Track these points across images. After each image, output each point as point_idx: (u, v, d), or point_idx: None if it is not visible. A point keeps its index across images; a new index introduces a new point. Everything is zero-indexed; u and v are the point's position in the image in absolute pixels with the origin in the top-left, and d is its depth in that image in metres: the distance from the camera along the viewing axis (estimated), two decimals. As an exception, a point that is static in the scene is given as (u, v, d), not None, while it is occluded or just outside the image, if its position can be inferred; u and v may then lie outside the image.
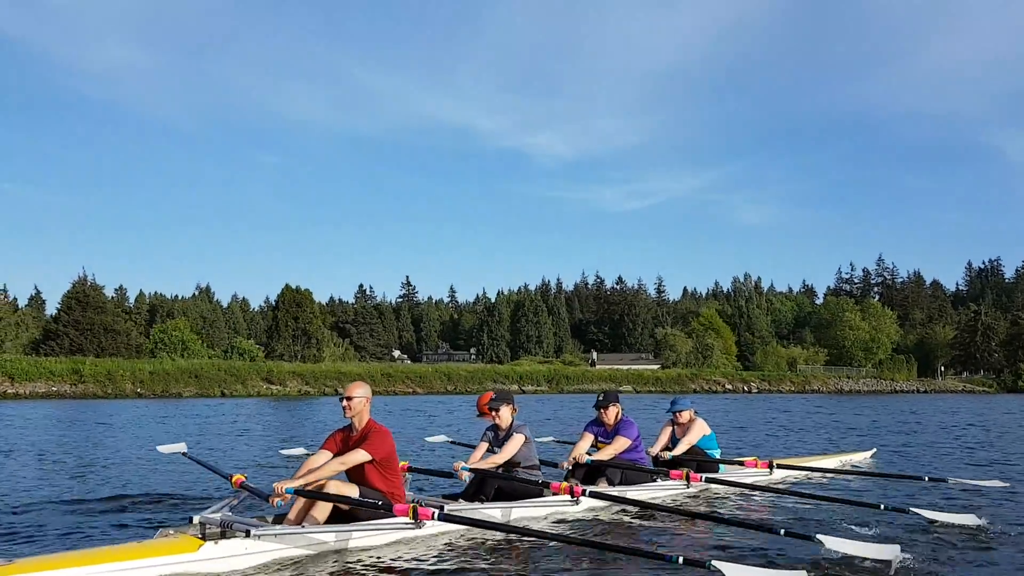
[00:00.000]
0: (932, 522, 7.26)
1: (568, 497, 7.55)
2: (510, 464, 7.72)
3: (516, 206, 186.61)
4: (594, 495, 7.56)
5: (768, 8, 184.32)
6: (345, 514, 6.39)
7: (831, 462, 11.95)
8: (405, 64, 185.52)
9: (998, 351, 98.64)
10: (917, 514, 7.25)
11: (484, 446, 8.06)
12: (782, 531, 6.09)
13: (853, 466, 11.96)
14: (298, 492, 6.09)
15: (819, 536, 5.76)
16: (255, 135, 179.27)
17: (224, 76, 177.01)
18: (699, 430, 9.81)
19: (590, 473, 8.52)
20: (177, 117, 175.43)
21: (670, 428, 10.02)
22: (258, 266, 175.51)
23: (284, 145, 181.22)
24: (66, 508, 8.35)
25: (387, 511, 6.21)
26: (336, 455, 6.51)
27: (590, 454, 8.72)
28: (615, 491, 8.14)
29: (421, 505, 6.30)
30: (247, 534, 5.71)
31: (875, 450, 14.39)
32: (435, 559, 6.11)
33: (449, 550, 6.38)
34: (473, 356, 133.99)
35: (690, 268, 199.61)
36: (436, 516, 6.14)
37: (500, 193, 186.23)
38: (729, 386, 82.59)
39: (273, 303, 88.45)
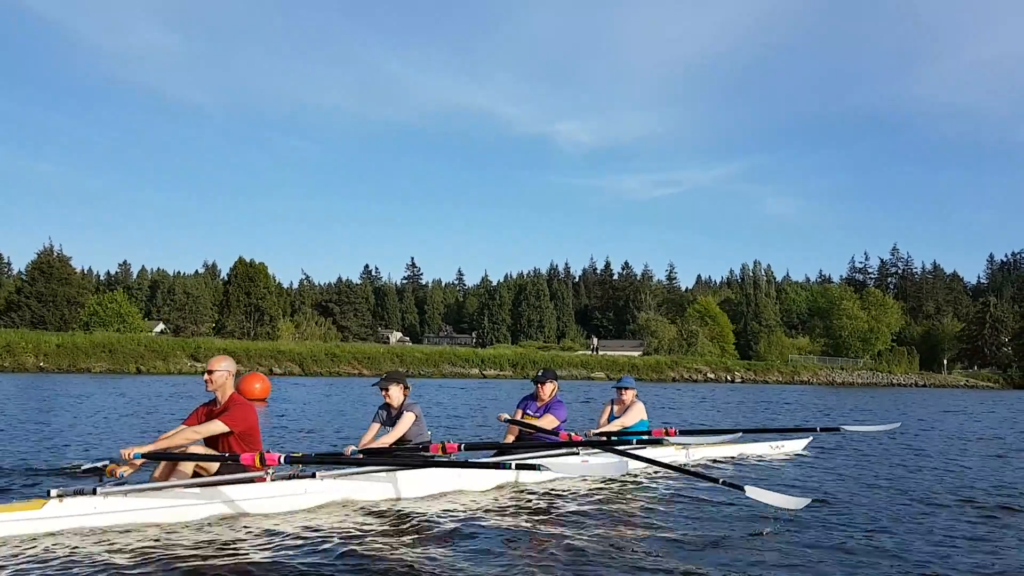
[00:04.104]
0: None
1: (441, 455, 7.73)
2: (402, 441, 7.86)
3: (535, 193, 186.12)
4: (470, 447, 8.12)
5: (795, 1, 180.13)
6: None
7: (761, 447, 11.80)
8: (431, 52, 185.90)
9: (1008, 345, 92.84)
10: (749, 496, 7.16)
11: (376, 426, 8.14)
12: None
13: (786, 453, 11.91)
14: (146, 456, 6.11)
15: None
16: (280, 120, 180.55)
17: (252, 61, 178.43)
18: (636, 414, 10.13)
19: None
20: (203, 100, 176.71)
21: (610, 407, 10.38)
22: (273, 246, 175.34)
23: (309, 130, 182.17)
24: None
25: (234, 462, 6.33)
26: None
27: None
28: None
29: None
30: (94, 492, 5.71)
31: (811, 438, 13.26)
32: (287, 508, 6.45)
33: (305, 504, 6.63)
34: (474, 340, 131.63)
35: (707, 257, 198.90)
36: (282, 460, 6.34)
37: (521, 180, 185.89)
38: (711, 375, 77.48)
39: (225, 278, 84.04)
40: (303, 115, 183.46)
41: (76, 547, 5.38)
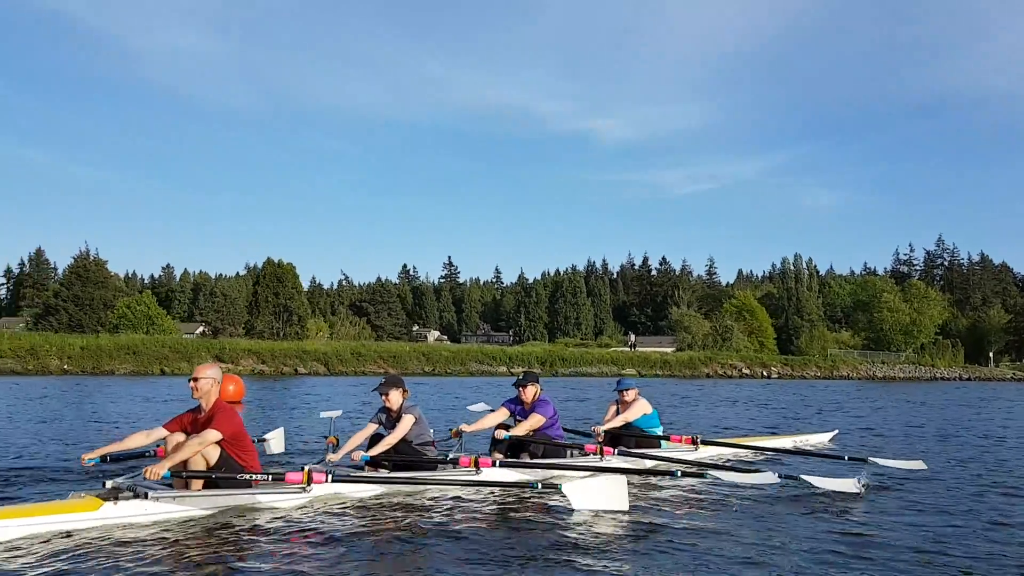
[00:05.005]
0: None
1: (472, 468, 7.87)
2: (403, 442, 8.03)
3: (573, 189, 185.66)
4: (505, 464, 8.12)
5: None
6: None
7: (784, 441, 12.34)
8: (466, 50, 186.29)
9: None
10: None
11: (372, 427, 8.30)
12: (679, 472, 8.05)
13: (811, 446, 12.40)
14: (174, 474, 6.42)
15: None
16: (318, 122, 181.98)
17: (289, 64, 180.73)
18: (639, 408, 10.41)
19: (512, 449, 9.07)
20: (243, 103, 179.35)
21: (615, 407, 10.64)
22: (313, 247, 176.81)
23: (346, 131, 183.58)
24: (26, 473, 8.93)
25: (279, 480, 6.73)
26: (187, 435, 6.83)
27: (508, 427, 9.11)
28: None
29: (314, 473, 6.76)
30: (145, 496, 6.21)
31: (836, 432, 14.19)
32: (326, 520, 6.57)
33: (337, 514, 6.83)
34: (511, 338, 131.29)
35: (749, 252, 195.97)
36: (330, 479, 6.81)
37: (558, 177, 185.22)
38: (747, 371, 75.82)
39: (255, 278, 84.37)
40: (340, 116, 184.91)
41: (128, 547, 5.71)
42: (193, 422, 6.90)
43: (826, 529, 6.70)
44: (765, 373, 75.81)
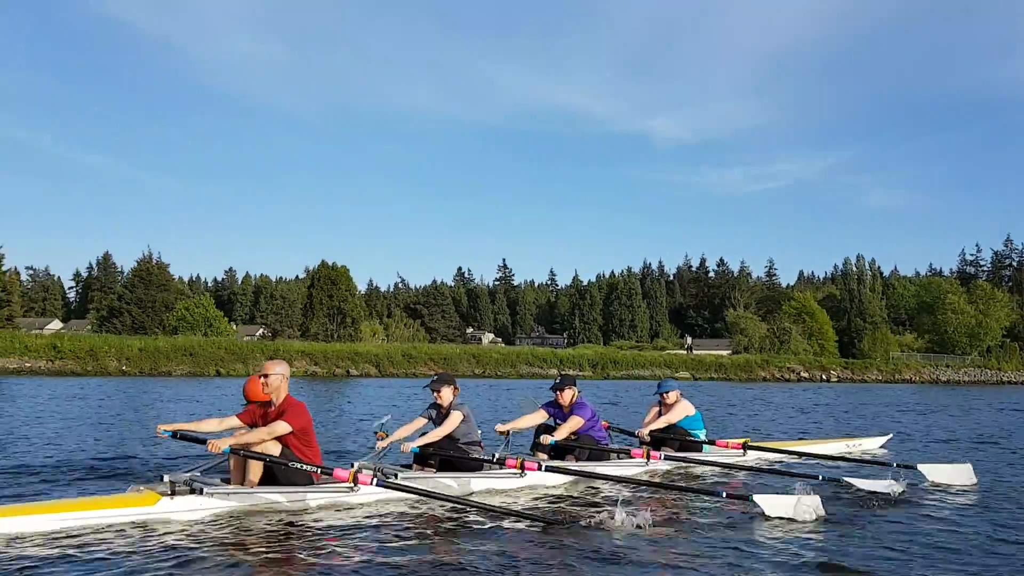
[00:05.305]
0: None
1: (516, 471, 8.10)
2: (450, 438, 8.29)
3: (628, 190, 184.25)
4: (550, 469, 8.15)
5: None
6: (276, 477, 7.03)
7: (837, 445, 12.32)
8: (519, 51, 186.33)
9: None
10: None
11: (422, 421, 8.55)
12: (724, 494, 7.42)
13: (863, 452, 12.28)
14: (233, 450, 6.68)
15: (754, 497, 7.22)
16: (373, 125, 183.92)
17: (344, 68, 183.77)
18: (682, 410, 10.39)
19: (556, 451, 9.23)
20: (299, 108, 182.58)
21: (656, 408, 10.67)
22: (370, 250, 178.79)
23: (401, 134, 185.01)
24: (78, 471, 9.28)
25: (327, 475, 6.92)
26: (253, 427, 7.17)
27: (549, 431, 9.21)
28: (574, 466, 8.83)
29: (362, 472, 6.99)
30: (200, 492, 6.53)
31: (891, 435, 14.18)
32: (369, 522, 6.75)
33: (383, 515, 7.01)
34: (565, 340, 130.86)
35: (810, 253, 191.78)
36: (374, 482, 6.87)
37: (613, 178, 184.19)
38: (805, 374, 74.32)
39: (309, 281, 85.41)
40: (395, 119, 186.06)
41: (183, 540, 6.01)
42: (264, 416, 7.22)
43: (872, 534, 6.75)
44: (824, 377, 74.25)
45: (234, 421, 7.39)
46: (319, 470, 6.90)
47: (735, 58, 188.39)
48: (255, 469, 6.96)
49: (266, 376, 7.13)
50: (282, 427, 6.93)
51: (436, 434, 8.24)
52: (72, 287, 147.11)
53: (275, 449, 6.93)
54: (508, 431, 8.93)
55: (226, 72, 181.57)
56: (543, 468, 8.02)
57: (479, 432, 8.66)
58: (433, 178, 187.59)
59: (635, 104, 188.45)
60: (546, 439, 9.04)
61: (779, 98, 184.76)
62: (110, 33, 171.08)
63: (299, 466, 6.87)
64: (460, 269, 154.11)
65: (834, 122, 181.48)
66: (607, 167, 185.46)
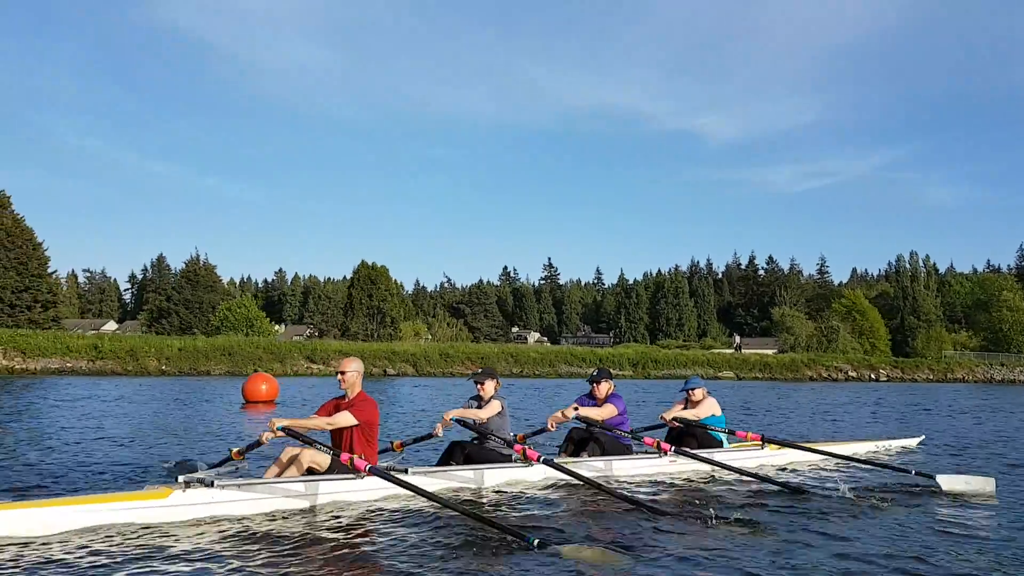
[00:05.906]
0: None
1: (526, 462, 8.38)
2: (485, 431, 8.65)
3: (677, 188, 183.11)
4: (548, 463, 8.20)
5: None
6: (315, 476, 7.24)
7: (866, 445, 12.31)
8: (568, 53, 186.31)
9: None
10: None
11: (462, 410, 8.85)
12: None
13: (894, 451, 12.43)
14: (286, 430, 7.03)
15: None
16: (423, 128, 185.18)
17: (395, 73, 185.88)
18: (708, 407, 10.37)
19: (579, 442, 9.45)
20: (352, 113, 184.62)
21: (682, 405, 10.58)
22: (416, 251, 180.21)
23: (450, 137, 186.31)
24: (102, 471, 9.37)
25: (349, 464, 7.10)
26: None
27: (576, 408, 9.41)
28: (593, 468, 9.09)
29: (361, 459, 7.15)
30: (211, 484, 6.59)
31: (923, 437, 14.10)
32: (382, 514, 6.96)
33: (393, 505, 7.27)
34: (611, 339, 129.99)
35: (863, 250, 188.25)
36: (367, 469, 7.00)
37: (662, 176, 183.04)
38: (853, 373, 72.55)
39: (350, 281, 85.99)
40: (444, 123, 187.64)
41: (195, 532, 6.21)
42: (337, 408, 7.58)
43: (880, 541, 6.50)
44: (873, 376, 72.43)
45: (319, 418, 7.63)
46: (333, 452, 7.12)
47: (785, 56, 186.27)
48: (294, 470, 7.23)
49: (343, 373, 7.56)
50: (346, 418, 7.30)
51: (476, 414, 8.62)
52: (128, 289, 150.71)
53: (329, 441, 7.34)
54: (525, 437, 9.38)
55: (282, 79, 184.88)
56: (540, 460, 8.21)
57: (511, 434, 8.99)
58: (479, 179, 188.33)
59: (685, 103, 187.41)
60: (570, 411, 9.33)
61: (831, 95, 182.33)
62: (167, 41, 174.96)
63: (337, 451, 7.11)
64: (506, 268, 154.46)
65: (888, 119, 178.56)
66: (655, 166, 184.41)
